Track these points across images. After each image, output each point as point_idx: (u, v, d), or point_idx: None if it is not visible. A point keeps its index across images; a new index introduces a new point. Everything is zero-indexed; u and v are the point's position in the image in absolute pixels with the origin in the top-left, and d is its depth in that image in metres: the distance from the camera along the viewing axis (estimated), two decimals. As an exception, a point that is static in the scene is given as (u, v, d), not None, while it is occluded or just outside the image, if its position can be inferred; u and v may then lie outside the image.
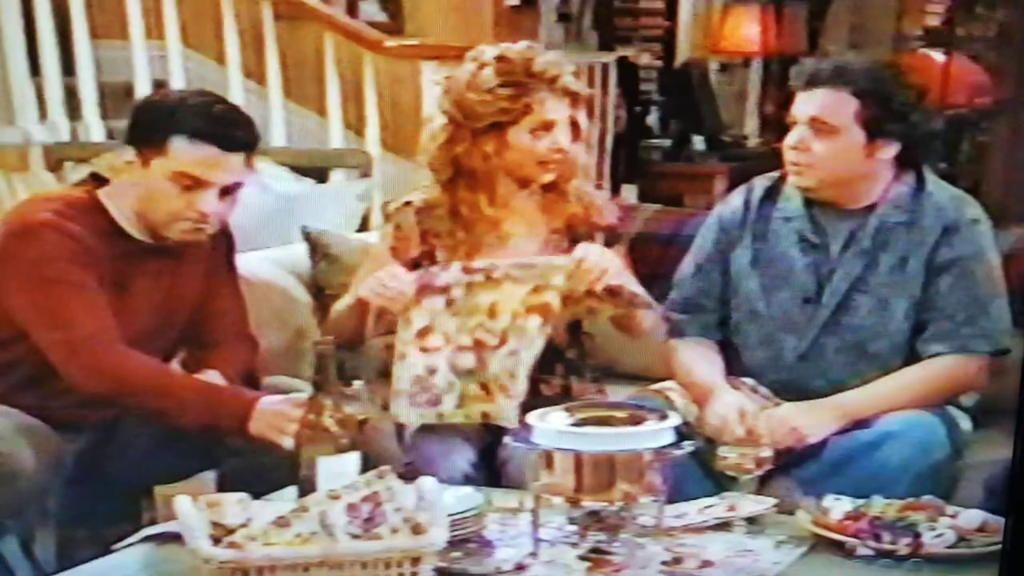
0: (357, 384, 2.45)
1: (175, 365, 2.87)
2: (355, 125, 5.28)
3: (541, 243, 2.98)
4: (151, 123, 2.71)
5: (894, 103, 2.80)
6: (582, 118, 2.98)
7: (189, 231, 2.73)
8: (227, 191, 2.73)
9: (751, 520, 2.44)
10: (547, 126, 2.89)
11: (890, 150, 2.81)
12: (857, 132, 2.77)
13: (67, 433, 2.67)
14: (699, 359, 2.91)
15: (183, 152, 2.67)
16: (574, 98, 2.94)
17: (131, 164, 2.72)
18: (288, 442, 2.50)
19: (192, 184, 2.67)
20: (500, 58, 2.91)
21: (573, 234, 2.98)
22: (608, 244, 2.96)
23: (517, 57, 2.90)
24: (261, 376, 2.91)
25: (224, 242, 2.95)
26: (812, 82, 2.81)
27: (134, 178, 2.73)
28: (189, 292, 2.85)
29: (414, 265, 2.96)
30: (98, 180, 2.82)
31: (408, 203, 3.01)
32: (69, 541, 2.64)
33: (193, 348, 2.91)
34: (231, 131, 2.71)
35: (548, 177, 2.95)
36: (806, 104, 2.81)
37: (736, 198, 3.00)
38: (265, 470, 2.55)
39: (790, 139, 2.82)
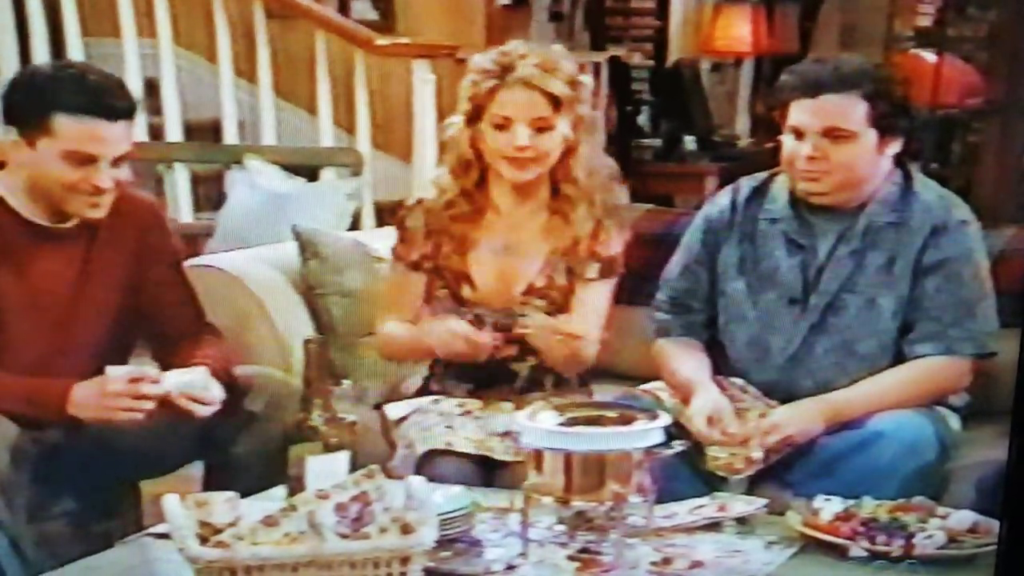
0: (346, 383, 2.45)
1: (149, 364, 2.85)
2: (346, 123, 5.27)
3: (541, 263, 2.94)
4: (27, 103, 2.67)
5: (897, 98, 2.80)
6: (562, 125, 2.87)
7: (87, 204, 2.70)
8: (119, 159, 2.70)
9: (741, 520, 2.44)
10: (502, 121, 2.85)
11: (896, 146, 2.81)
12: (871, 133, 2.76)
13: (30, 426, 2.63)
14: (684, 358, 2.90)
15: (68, 129, 2.64)
16: (550, 99, 2.85)
17: (17, 144, 2.68)
18: (119, 416, 2.58)
19: (84, 160, 2.65)
20: (503, 51, 2.89)
21: (571, 259, 2.93)
22: (603, 275, 2.94)
23: (514, 50, 2.88)
24: (232, 367, 2.85)
25: (157, 229, 2.91)
26: (817, 89, 2.76)
27: (23, 158, 2.69)
28: (112, 279, 2.81)
29: (416, 267, 2.95)
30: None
31: (419, 201, 3.00)
32: (53, 537, 2.63)
33: (157, 345, 2.90)
34: (111, 101, 2.68)
35: (519, 175, 2.88)
36: (816, 114, 2.75)
37: (723, 198, 2.99)
38: (250, 462, 2.57)
39: (805, 149, 2.76)
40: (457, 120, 2.94)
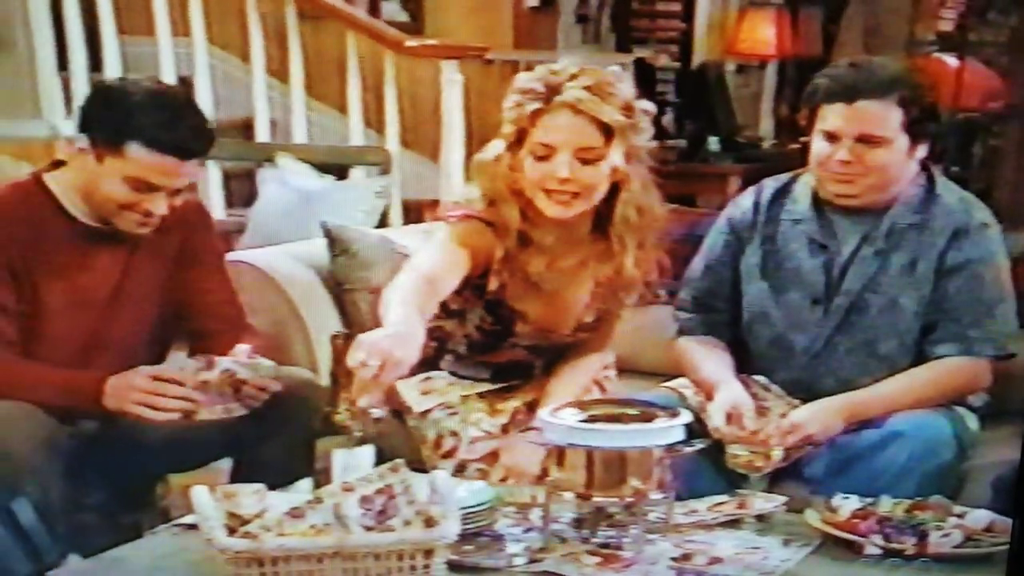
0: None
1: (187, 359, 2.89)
2: (375, 123, 5.31)
3: (588, 299, 2.82)
4: (108, 122, 2.66)
5: (928, 104, 2.81)
6: (613, 156, 2.62)
7: (135, 224, 2.71)
8: (178, 190, 2.72)
9: (760, 517, 2.46)
10: (544, 151, 2.60)
11: (924, 150, 2.82)
12: (903, 138, 2.76)
13: (65, 419, 2.66)
14: (707, 356, 2.91)
15: (140, 159, 2.63)
16: (600, 127, 2.59)
17: (84, 152, 2.68)
18: (143, 411, 2.61)
19: (145, 188, 2.66)
20: (552, 68, 2.64)
21: (617, 290, 2.81)
22: (650, 299, 2.89)
23: (564, 69, 2.62)
24: None
25: (203, 229, 2.94)
26: (854, 95, 2.74)
27: (87, 167, 2.68)
28: (155, 278, 2.83)
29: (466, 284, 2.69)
30: (59, 165, 2.79)
31: (470, 216, 2.68)
32: (84, 528, 2.66)
33: (195, 341, 2.92)
34: (189, 142, 2.67)
35: (561, 212, 2.64)
36: (852, 119, 2.74)
37: (746, 199, 3.00)
38: (279, 460, 2.60)
39: (840, 154, 2.76)
40: (498, 144, 2.69)
